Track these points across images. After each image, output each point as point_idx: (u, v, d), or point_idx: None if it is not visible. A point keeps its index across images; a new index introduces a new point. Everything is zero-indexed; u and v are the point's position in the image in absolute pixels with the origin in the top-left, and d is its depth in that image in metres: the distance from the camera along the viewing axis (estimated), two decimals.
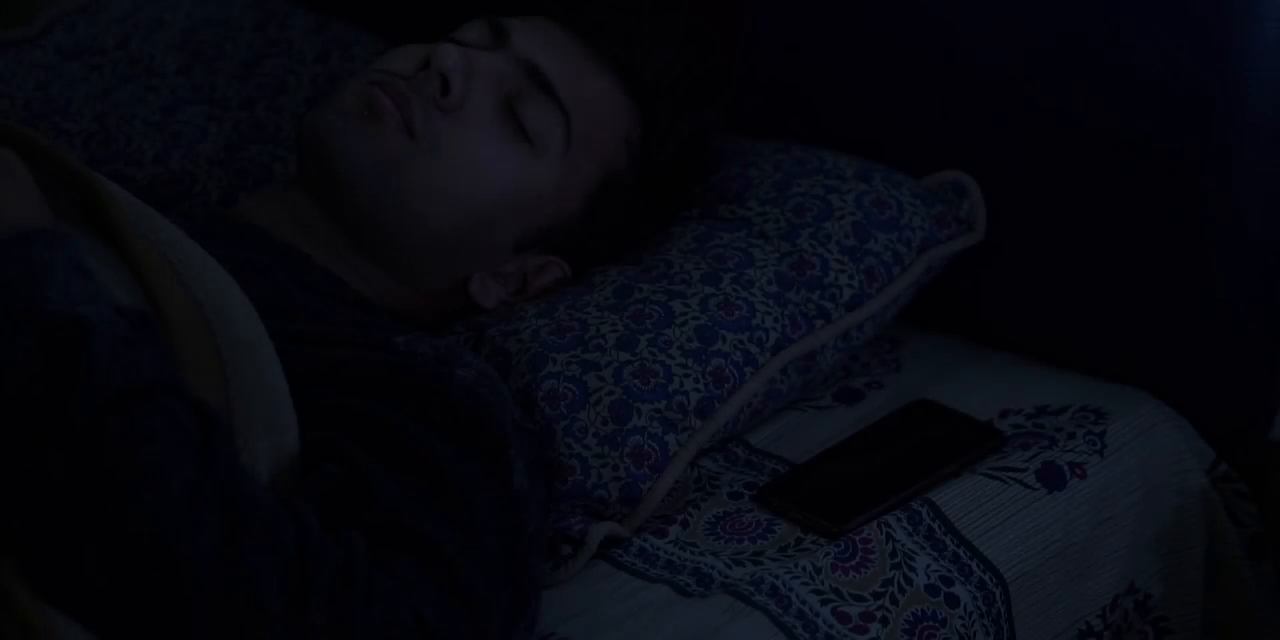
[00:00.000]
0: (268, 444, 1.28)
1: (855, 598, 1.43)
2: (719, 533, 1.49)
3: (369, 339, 1.40)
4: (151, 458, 1.15)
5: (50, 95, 1.83)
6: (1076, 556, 1.55)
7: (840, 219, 1.63)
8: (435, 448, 1.31)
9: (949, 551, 1.49)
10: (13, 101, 1.82)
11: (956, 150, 1.69)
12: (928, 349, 1.72)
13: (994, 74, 1.66)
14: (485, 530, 1.29)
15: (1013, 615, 1.50)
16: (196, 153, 1.78)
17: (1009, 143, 1.67)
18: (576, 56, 1.60)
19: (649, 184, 1.64)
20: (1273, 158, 1.57)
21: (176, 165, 1.77)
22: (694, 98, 1.64)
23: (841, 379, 1.69)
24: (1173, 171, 1.60)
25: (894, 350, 1.73)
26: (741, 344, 1.56)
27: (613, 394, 1.51)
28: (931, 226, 1.65)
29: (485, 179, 1.54)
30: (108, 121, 1.80)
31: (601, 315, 1.56)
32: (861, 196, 1.64)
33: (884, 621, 1.43)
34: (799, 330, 1.59)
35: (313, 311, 1.46)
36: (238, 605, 1.15)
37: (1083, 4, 1.61)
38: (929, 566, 1.47)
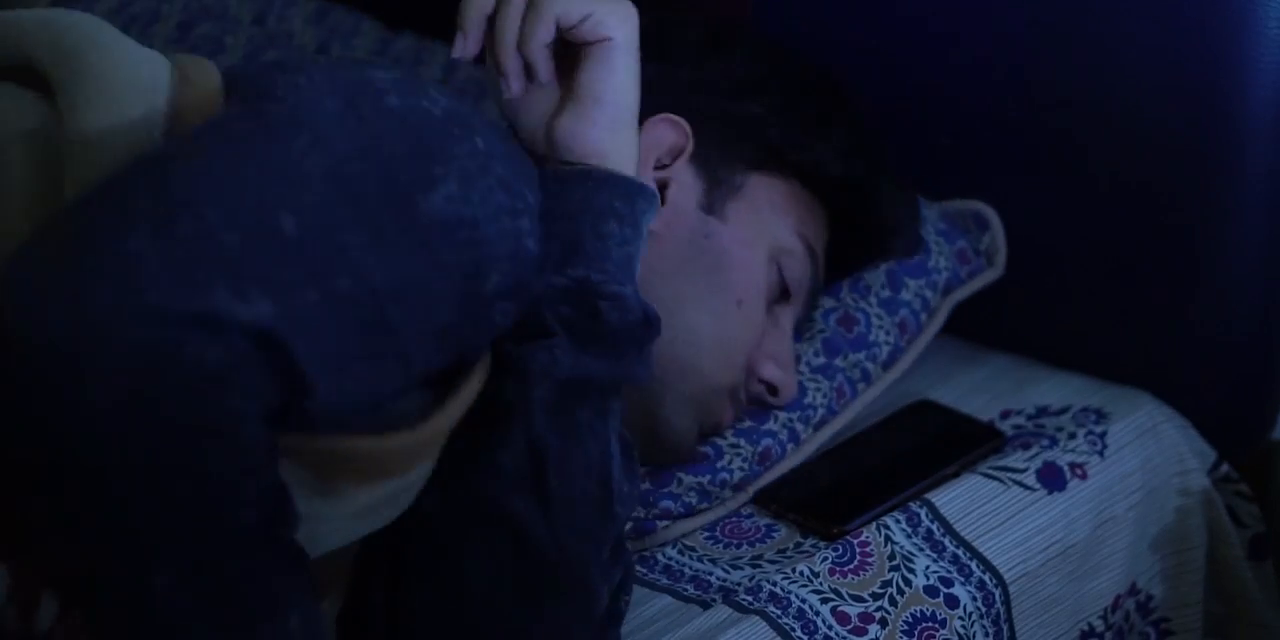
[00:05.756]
0: None
1: (854, 599, 1.43)
2: (718, 537, 1.49)
3: None
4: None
5: None
6: (1077, 557, 1.55)
7: (875, 268, 1.63)
8: None
9: (948, 552, 1.48)
10: None
11: (956, 150, 1.69)
12: (928, 349, 1.71)
13: (992, 71, 1.65)
14: None
15: (1013, 616, 1.50)
16: None
17: (1008, 144, 1.66)
18: None
19: None
20: (1274, 157, 1.56)
21: None
22: None
23: None
24: (1174, 171, 1.60)
25: None
26: (790, 423, 1.55)
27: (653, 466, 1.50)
28: (954, 265, 1.65)
29: None
30: None
31: None
32: None
33: (883, 622, 1.43)
34: (843, 398, 1.58)
35: None
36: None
37: (1082, 5, 1.60)
38: (928, 568, 1.47)
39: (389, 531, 1.24)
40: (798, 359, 1.57)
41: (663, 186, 1.45)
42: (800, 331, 1.59)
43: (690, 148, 1.46)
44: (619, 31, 1.28)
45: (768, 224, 1.48)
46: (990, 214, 1.67)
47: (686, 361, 1.43)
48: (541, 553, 1.22)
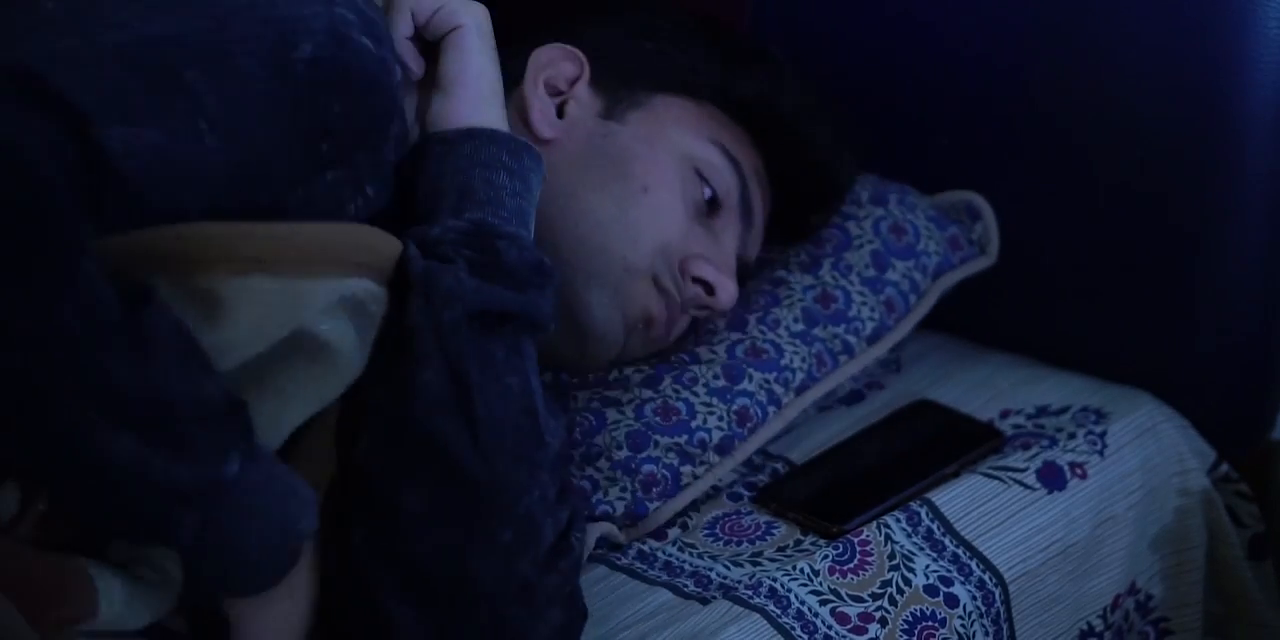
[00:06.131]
0: None
1: (854, 598, 1.43)
2: (718, 534, 1.49)
3: None
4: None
5: None
6: (1077, 556, 1.55)
7: (859, 249, 1.63)
8: None
9: (948, 552, 1.48)
10: None
11: (956, 150, 1.69)
12: (928, 349, 1.72)
13: (992, 71, 1.65)
14: None
15: (1013, 615, 1.50)
16: None
17: (1008, 143, 1.66)
18: None
19: None
20: (1274, 157, 1.56)
21: None
22: None
23: None
24: (1173, 171, 1.60)
25: (894, 351, 1.72)
26: (767, 384, 1.56)
27: (631, 426, 1.51)
28: (945, 251, 1.65)
29: None
30: None
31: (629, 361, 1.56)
32: (879, 223, 1.64)
33: (883, 622, 1.43)
34: (824, 367, 1.59)
35: None
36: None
37: (1082, 4, 1.60)
38: (928, 567, 1.47)
39: (338, 480, 1.27)
40: (776, 323, 1.58)
41: (561, 106, 1.51)
42: (758, 260, 1.60)
43: (587, 74, 1.51)
44: (468, 18, 1.36)
45: (674, 132, 1.52)
46: (982, 204, 1.67)
47: (591, 241, 1.47)
48: (472, 477, 1.24)
